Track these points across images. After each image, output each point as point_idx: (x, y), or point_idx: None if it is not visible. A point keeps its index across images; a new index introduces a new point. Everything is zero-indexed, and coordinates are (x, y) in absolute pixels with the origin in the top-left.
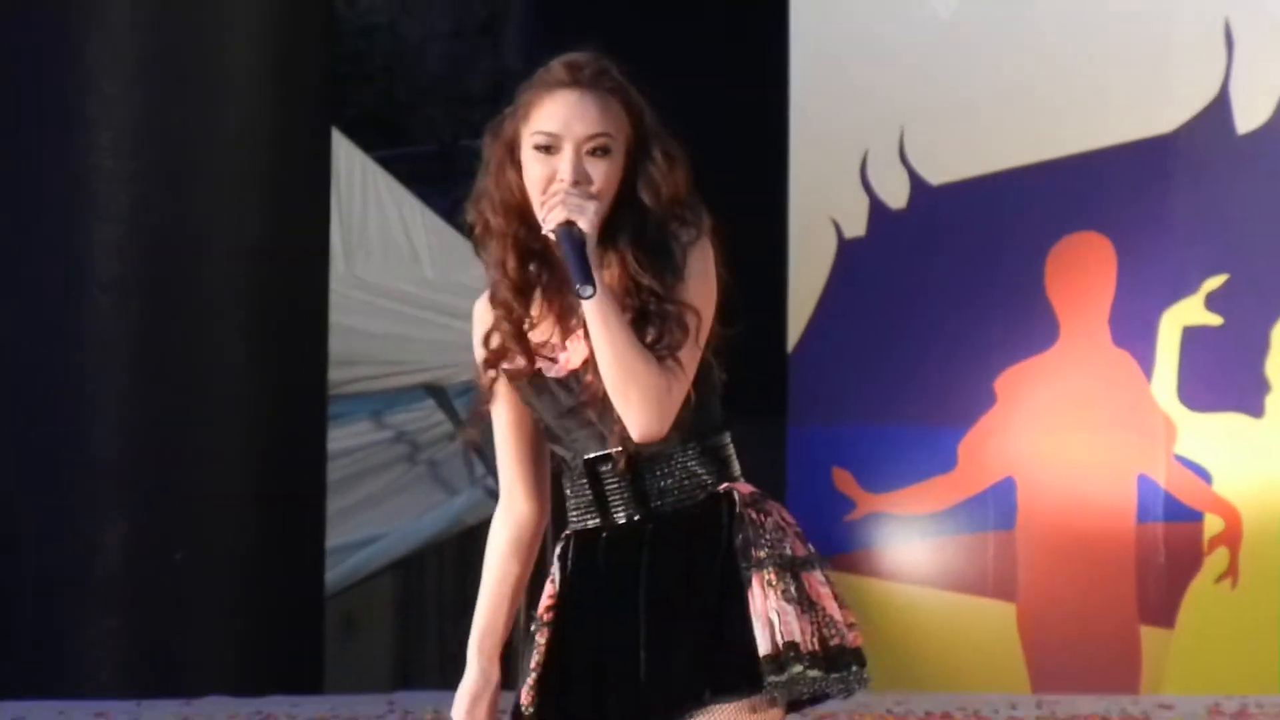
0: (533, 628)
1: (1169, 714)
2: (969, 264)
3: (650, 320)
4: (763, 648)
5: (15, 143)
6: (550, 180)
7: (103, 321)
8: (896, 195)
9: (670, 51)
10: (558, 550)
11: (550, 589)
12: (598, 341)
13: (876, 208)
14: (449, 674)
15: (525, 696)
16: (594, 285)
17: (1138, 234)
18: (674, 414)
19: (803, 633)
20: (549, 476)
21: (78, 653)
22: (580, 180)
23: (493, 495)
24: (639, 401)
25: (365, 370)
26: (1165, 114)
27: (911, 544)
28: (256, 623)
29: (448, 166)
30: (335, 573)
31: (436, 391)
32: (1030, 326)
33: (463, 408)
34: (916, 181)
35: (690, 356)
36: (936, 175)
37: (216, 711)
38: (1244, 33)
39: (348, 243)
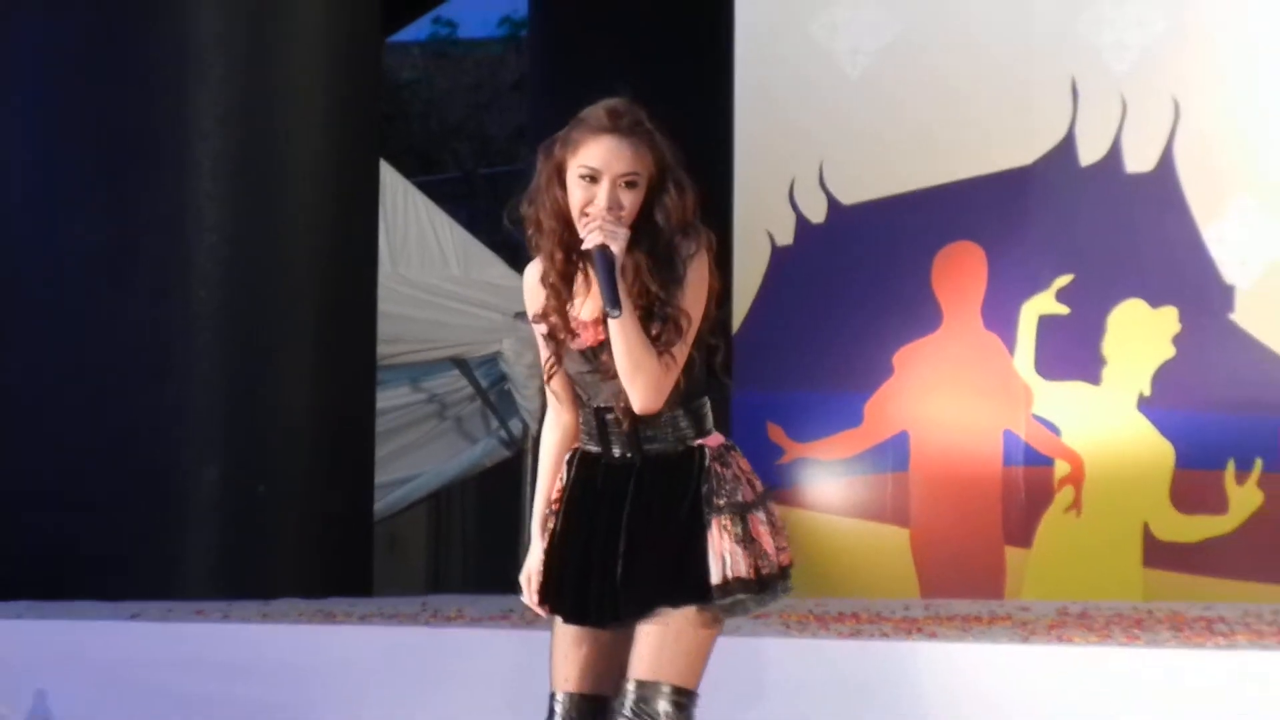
0: (546, 510)
1: (1026, 613)
2: (873, 266)
3: (654, 319)
4: (714, 578)
5: (136, 174)
6: (589, 202)
7: (204, 311)
8: (817, 212)
9: (645, 100)
10: (567, 457)
11: (559, 485)
12: (614, 339)
13: (801, 222)
14: (470, 581)
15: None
16: (620, 308)
17: (1003, 243)
18: (668, 394)
19: (747, 568)
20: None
21: (183, 564)
22: (613, 206)
23: (504, 444)
24: (642, 386)
25: (405, 347)
26: (1025, 150)
27: (828, 482)
28: (320, 541)
29: (469, 189)
30: (382, 503)
31: (461, 363)
32: (920, 314)
33: (482, 376)
34: (833, 201)
35: (681, 350)
36: (848, 197)
37: (289, 609)
38: (1086, 88)
39: (392, 248)
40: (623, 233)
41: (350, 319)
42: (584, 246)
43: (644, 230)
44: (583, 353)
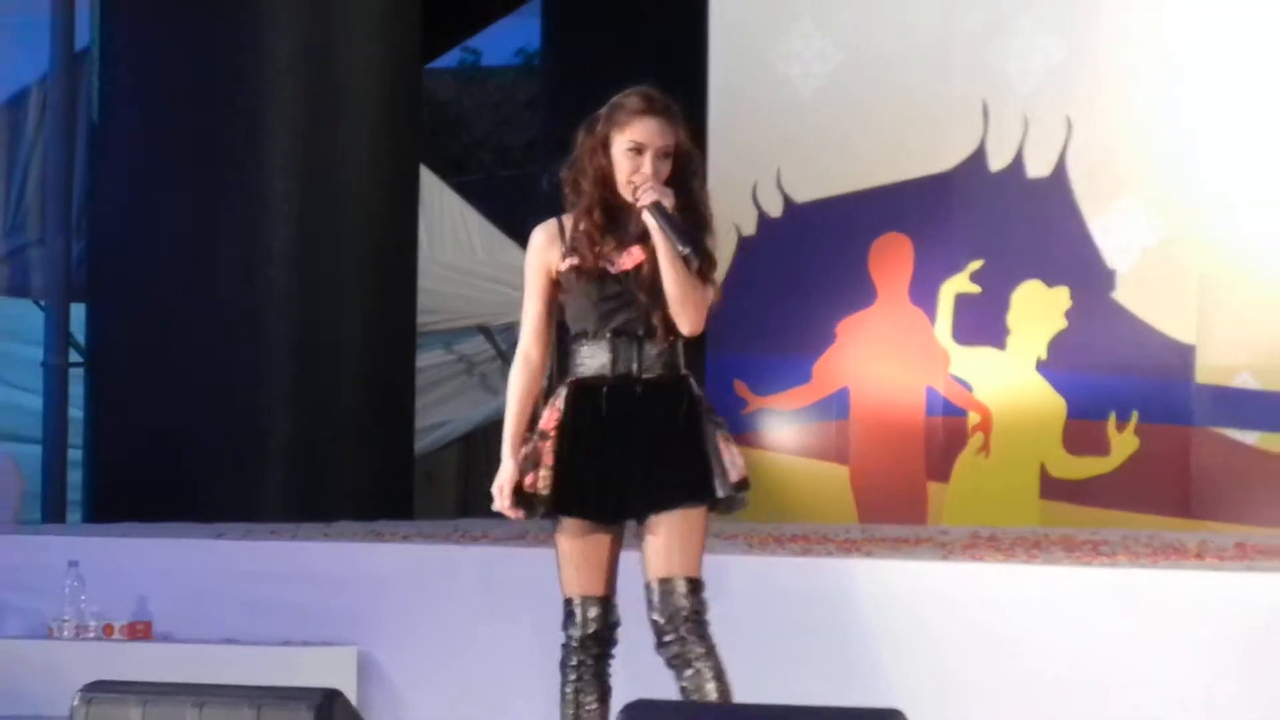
0: (535, 436)
1: (945, 536)
2: (821, 253)
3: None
4: (734, 476)
5: (222, 176)
6: (636, 170)
7: (275, 290)
8: (775, 209)
9: None
10: (560, 392)
11: (554, 417)
12: (669, 273)
13: (763, 217)
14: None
15: (530, 480)
16: (690, 247)
17: (926, 235)
18: (705, 319)
19: (746, 471)
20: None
21: (260, 493)
22: (656, 173)
23: None
24: (692, 311)
25: (440, 317)
26: (945, 158)
27: (783, 429)
28: (371, 474)
29: (491, 189)
30: (420, 444)
31: (485, 330)
32: (859, 292)
33: (503, 340)
34: (788, 200)
35: (714, 285)
36: (801, 196)
37: (345, 529)
38: (994, 108)
39: (430, 235)
40: (669, 191)
41: (395, 293)
42: (641, 204)
43: (681, 189)
44: (616, 277)
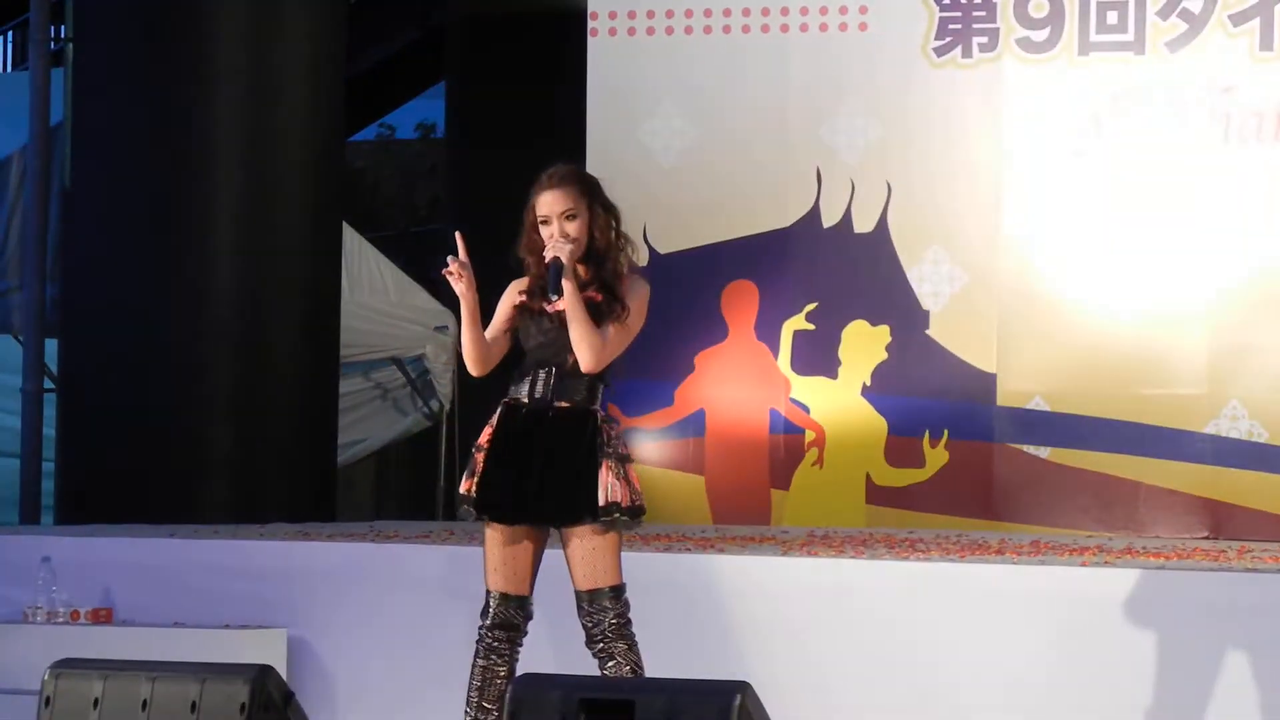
0: (474, 449)
1: (786, 535)
2: (681, 295)
3: (599, 306)
4: (600, 500)
5: (176, 233)
6: (550, 236)
7: (220, 326)
8: (642, 259)
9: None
10: (498, 411)
11: (488, 432)
12: (569, 315)
13: (630, 261)
14: (403, 512)
15: (465, 485)
16: (559, 294)
17: (770, 281)
18: (606, 363)
19: (622, 497)
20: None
21: (204, 498)
22: (562, 235)
23: (426, 417)
24: (586, 350)
25: (358, 349)
26: (784, 216)
27: (649, 444)
28: (300, 483)
29: (403, 241)
30: (342, 457)
31: (397, 361)
32: (713, 329)
33: (412, 370)
34: (653, 251)
35: (617, 331)
36: (664, 248)
37: (277, 530)
38: (826, 174)
39: (350, 281)
40: (567, 247)
41: (321, 329)
42: (546, 259)
43: (593, 244)
44: (551, 317)
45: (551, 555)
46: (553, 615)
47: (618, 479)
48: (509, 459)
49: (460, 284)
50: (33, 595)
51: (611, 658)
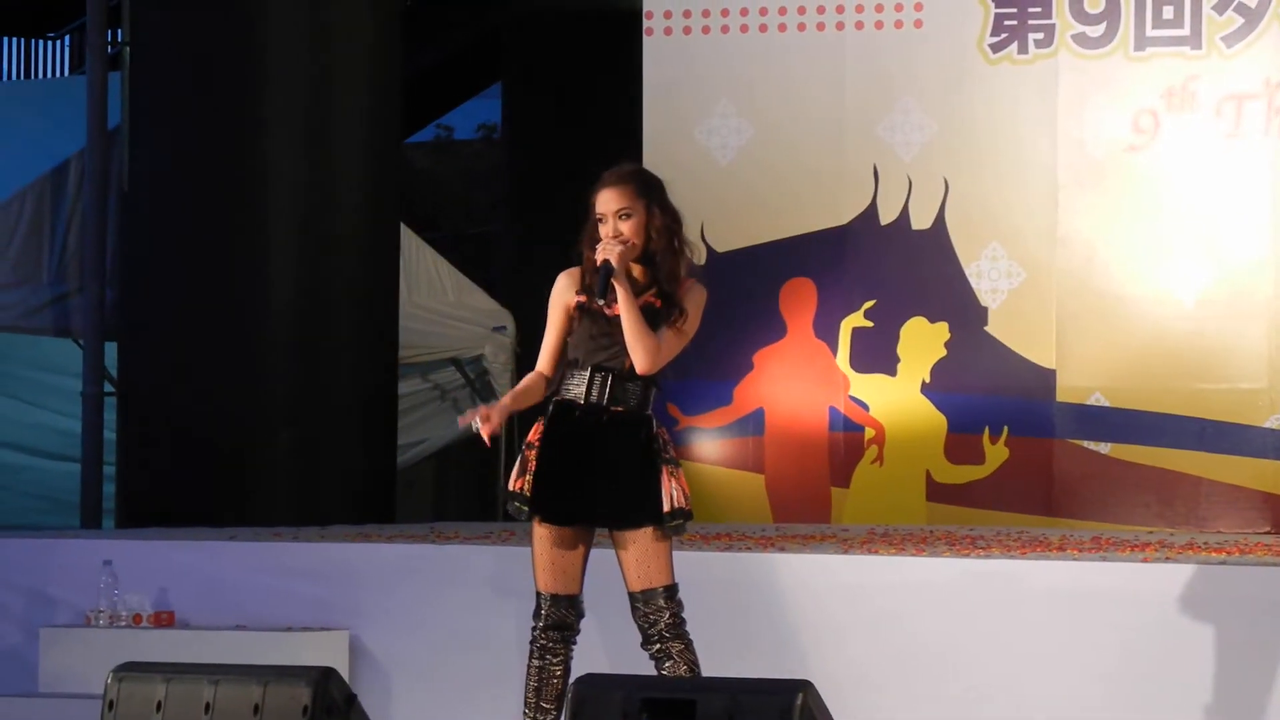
0: (524, 446)
1: (846, 534)
2: (739, 294)
3: (656, 309)
4: (666, 506)
5: (234, 236)
6: (605, 235)
7: (279, 329)
8: (700, 258)
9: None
10: (549, 410)
11: (539, 429)
12: (624, 318)
13: (689, 265)
14: (462, 513)
15: (517, 483)
16: (605, 298)
17: (828, 278)
18: (661, 364)
19: (685, 502)
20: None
21: (265, 500)
22: (615, 234)
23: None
24: (640, 353)
25: (417, 351)
26: (842, 214)
27: (708, 443)
28: (360, 484)
29: (460, 242)
30: (402, 459)
31: (456, 362)
32: (772, 327)
33: (470, 370)
34: (711, 250)
35: (672, 335)
36: (721, 247)
37: (338, 531)
38: (884, 171)
39: (408, 282)
40: (619, 248)
41: (380, 331)
42: (598, 260)
43: (648, 244)
44: (609, 320)
45: (596, 555)
46: (604, 615)
47: (677, 485)
48: (563, 460)
49: (489, 426)
50: (95, 599)
51: (669, 657)
